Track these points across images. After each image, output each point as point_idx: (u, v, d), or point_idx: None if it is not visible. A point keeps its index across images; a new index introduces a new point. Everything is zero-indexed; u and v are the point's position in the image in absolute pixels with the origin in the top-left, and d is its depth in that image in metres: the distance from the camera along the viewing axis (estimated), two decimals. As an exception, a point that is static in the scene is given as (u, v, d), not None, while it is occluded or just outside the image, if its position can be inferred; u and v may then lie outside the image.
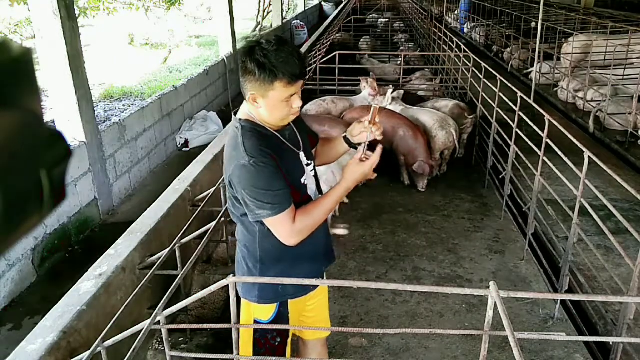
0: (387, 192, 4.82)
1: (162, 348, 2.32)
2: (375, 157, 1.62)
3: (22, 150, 0.33)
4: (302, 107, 1.68)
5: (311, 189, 1.78)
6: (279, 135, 1.67)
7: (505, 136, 4.37)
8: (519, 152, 3.94)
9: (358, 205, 4.59)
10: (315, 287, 1.89)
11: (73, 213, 4.83)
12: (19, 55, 0.33)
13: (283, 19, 15.94)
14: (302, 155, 1.74)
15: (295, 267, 1.78)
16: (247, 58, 1.52)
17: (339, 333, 2.89)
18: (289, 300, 1.83)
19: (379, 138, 1.70)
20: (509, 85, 4.49)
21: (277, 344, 1.85)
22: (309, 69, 6.54)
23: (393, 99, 5.53)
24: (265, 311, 1.81)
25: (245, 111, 1.67)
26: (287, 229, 1.59)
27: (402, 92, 5.67)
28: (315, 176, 1.82)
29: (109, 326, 1.78)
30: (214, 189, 3.12)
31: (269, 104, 1.56)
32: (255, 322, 1.82)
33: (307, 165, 1.75)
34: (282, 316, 1.82)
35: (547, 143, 3.35)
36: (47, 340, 1.91)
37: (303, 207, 1.64)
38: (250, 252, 1.77)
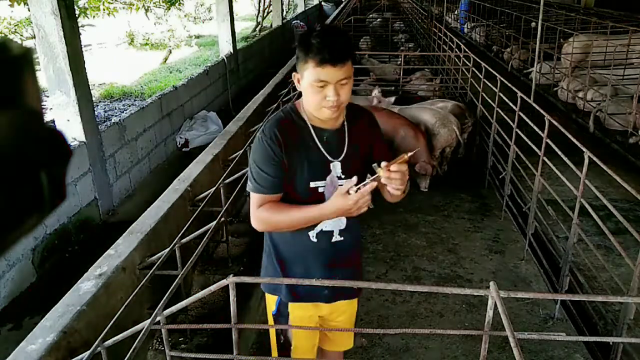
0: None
1: (162, 348, 2.32)
2: (356, 196, 1.46)
3: (22, 150, 0.33)
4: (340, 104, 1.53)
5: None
6: (311, 130, 1.60)
7: (505, 136, 4.37)
8: (519, 152, 3.94)
9: (358, 205, 4.58)
10: (317, 298, 1.80)
11: (73, 213, 4.83)
12: (19, 55, 0.33)
13: (283, 19, 15.94)
14: (336, 165, 1.62)
15: (286, 272, 1.75)
16: (298, 40, 1.56)
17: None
18: (290, 304, 1.80)
19: (387, 185, 1.49)
20: (509, 85, 4.49)
21: (281, 341, 1.87)
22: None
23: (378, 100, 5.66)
24: (271, 302, 1.85)
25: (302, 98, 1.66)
26: (253, 209, 1.62)
27: (392, 99, 5.75)
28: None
29: (109, 326, 1.78)
30: (214, 189, 3.12)
31: (304, 86, 1.53)
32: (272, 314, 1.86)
33: (340, 178, 1.62)
34: (281, 314, 1.82)
35: (547, 143, 3.35)
36: (47, 340, 1.90)
37: (282, 202, 1.61)
38: (264, 240, 1.82)
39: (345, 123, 1.64)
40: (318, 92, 1.50)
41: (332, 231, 1.70)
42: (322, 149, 1.60)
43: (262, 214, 1.60)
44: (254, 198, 1.61)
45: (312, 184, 1.61)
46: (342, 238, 1.72)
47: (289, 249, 1.73)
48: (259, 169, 1.58)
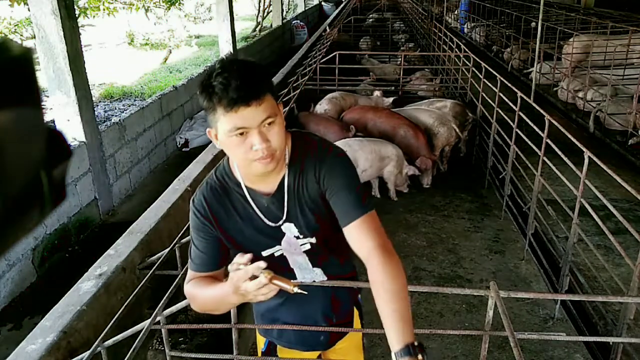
0: (388, 191, 4.82)
1: (162, 348, 2.32)
2: (239, 274, 1.13)
3: (22, 150, 0.33)
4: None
5: (296, 262, 1.43)
6: (246, 195, 1.31)
7: (505, 136, 4.37)
8: (519, 152, 3.94)
9: (358, 205, 4.58)
10: (307, 348, 1.63)
11: (73, 213, 4.83)
12: (19, 55, 0.33)
13: (283, 19, 15.94)
14: (289, 226, 1.34)
15: (273, 317, 1.59)
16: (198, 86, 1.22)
17: (339, 333, 2.89)
18: (278, 346, 1.64)
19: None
20: (509, 85, 4.49)
21: None
22: (295, 79, 6.51)
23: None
24: (260, 341, 1.71)
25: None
26: (186, 282, 1.40)
27: (390, 100, 5.84)
28: (314, 252, 1.40)
29: (109, 326, 1.78)
30: (214, 189, 3.12)
31: (222, 141, 1.22)
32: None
33: (298, 238, 1.35)
34: (270, 354, 1.67)
35: (547, 143, 3.35)
36: (47, 340, 1.90)
37: (208, 278, 1.35)
38: None
39: (286, 175, 1.30)
40: (240, 144, 1.18)
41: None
42: (261, 216, 1.32)
43: (188, 290, 1.36)
44: (187, 271, 1.39)
45: (265, 252, 1.37)
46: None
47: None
48: (192, 240, 1.36)
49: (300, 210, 1.32)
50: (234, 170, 1.32)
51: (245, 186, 1.31)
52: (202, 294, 1.32)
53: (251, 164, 1.20)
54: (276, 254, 1.38)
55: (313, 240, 1.36)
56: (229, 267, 1.18)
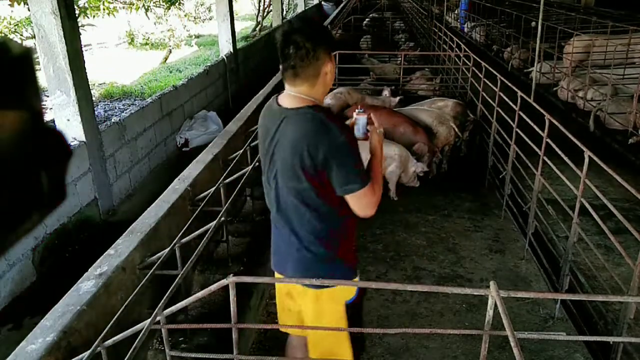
0: (388, 191, 4.82)
1: (162, 348, 2.32)
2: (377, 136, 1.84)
3: (23, 150, 0.33)
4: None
5: None
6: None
7: (505, 136, 4.37)
8: (519, 152, 3.94)
9: (358, 205, 4.58)
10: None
11: (73, 213, 4.83)
12: (19, 55, 0.33)
13: (283, 18, 15.93)
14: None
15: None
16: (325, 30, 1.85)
17: (339, 333, 2.89)
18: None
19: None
20: (509, 84, 4.49)
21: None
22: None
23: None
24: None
25: None
26: (373, 200, 1.72)
27: (397, 99, 5.89)
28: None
29: (109, 326, 1.78)
30: (214, 188, 3.12)
31: (332, 74, 1.82)
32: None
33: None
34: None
35: (547, 143, 3.35)
36: (47, 340, 1.90)
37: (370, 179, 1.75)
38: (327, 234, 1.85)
39: None
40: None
41: None
42: None
43: (378, 195, 1.73)
44: (368, 188, 1.69)
45: None
46: None
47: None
48: (360, 161, 1.72)
49: None
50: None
51: None
52: (376, 179, 1.76)
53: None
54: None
55: None
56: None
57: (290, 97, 1.76)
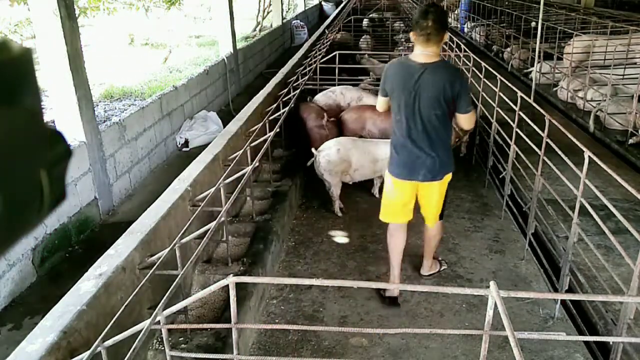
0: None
1: (162, 348, 2.32)
2: None
3: (22, 150, 0.33)
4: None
5: None
6: None
7: (505, 136, 4.37)
8: (519, 152, 3.94)
9: (358, 205, 4.59)
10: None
11: (73, 213, 4.83)
12: (19, 55, 0.33)
13: (283, 18, 15.94)
14: None
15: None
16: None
17: (339, 333, 2.89)
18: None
19: None
20: (509, 84, 4.49)
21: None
22: (308, 68, 6.52)
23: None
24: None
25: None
26: (474, 118, 2.97)
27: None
28: None
29: (109, 326, 1.78)
30: (214, 189, 3.12)
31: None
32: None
33: None
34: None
35: (547, 143, 3.35)
36: (47, 340, 1.90)
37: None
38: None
39: None
40: None
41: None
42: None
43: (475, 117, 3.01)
44: (474, 110, 2.94)
45: None
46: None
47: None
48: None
49: None
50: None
51: None
52: None
53: None
54: None
55: None
56: None
57: (424, 55, 2.70)
